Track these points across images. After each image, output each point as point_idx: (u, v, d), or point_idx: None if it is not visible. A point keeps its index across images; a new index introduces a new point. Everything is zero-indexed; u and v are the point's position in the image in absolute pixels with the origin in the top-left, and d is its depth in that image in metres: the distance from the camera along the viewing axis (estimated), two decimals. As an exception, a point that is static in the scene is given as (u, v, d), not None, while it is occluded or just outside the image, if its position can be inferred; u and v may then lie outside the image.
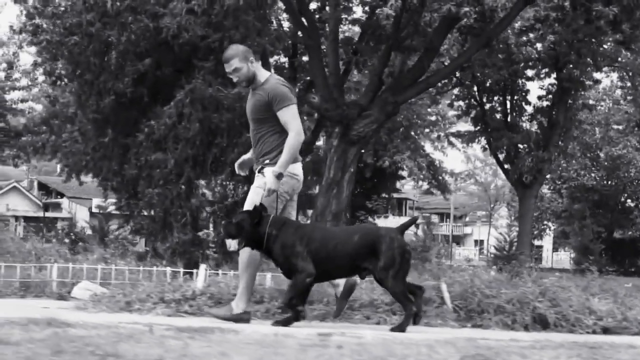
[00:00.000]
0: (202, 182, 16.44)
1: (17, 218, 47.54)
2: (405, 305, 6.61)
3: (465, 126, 35.04)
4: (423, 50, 16.32)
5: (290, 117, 6.64)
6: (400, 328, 6.51)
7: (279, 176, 6.51)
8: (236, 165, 7.46)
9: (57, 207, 53.00)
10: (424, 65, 16.52)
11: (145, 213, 18.11)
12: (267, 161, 6.71)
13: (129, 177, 17.15)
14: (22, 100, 30.51)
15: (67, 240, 26.21)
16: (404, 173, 35.85)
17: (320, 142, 23.84)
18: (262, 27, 18.66)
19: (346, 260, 6.55)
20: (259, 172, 6.82)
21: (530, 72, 26.05)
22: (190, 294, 8.61)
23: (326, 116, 16.45)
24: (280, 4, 19.02)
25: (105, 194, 27.47)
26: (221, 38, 17.04)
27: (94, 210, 50.41)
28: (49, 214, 50.34)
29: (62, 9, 14.57)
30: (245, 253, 6.79)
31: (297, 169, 6.80)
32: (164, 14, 16.45)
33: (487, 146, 27.74)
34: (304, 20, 16.74)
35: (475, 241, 55.93)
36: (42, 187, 56.12)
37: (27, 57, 77.00)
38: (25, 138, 30.63)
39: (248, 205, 6.75)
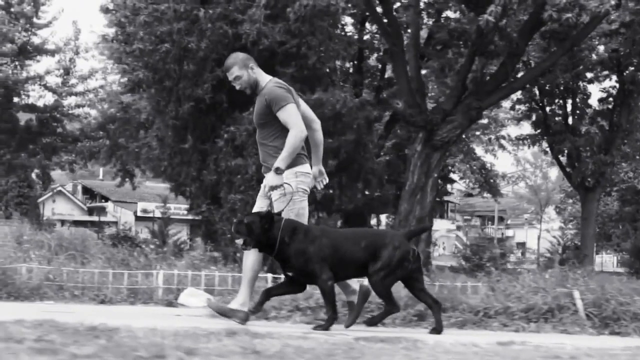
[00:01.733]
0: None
1: (63, 222, 47.90)
2: (387, 302, 6.83)
3: (514, 129, 34.88)
4: (506, 55, 16.28)
5: (288, 116, 6.69)
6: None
7: (277, 170, 6.53)
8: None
9: (102, 211, 53.37)
10: (507, 70, 16.47)
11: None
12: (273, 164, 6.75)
13: (208, 183, 17.21)
14: (78, 106, 30.74)
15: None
16: (454, 176, 35.79)
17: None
18: (334, 33, 18.73)
19: (356, 263, 6.62)
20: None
21: (589, 75, 25.87)
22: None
23: (410, 122, 16.44)
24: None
25: (165, 198, 27.76)
26: (298, 44, 17.09)
27: (139, 214, 50.85)
28: (93, 218, 50.69)
29: (157, 14, 14.59)
30: (252, 256, 6.87)
31: (308, 167, 6.89)
32: (243, 20, 16.52)
33: (547, 149, 27.55)
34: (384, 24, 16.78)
35: (518, 244, 55.74)
36: (87, 191, 56.56)
37: (84, 63, 77.13)
38: (82, 143, 30.95)
39: (257, 208, 6.85)
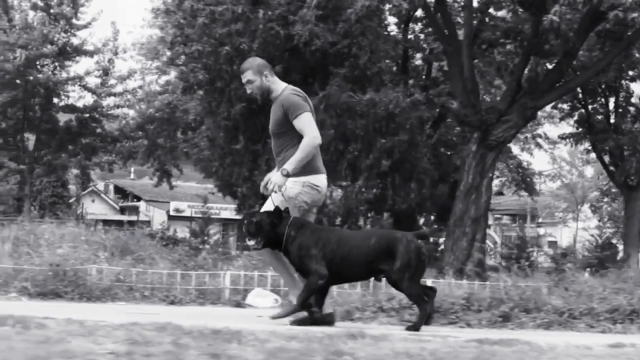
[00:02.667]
0: (338, 188, 16.48)
1: (96, 221, 48.16)
2: (421, 305, 6.77)
3: (550, 127, 34.65)
4: (562, 55, 16.21)
5: (304, 124, 6.66)
6: (414, 327, 6.67)
7: (284, 172, 6.52)
8: (262, 185, 7.17)
9: (134, 210, 53.60)
10: (562, 69, 16.41)
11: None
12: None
13: (259, 183, 17.23)
14: (117, 106, 30.92)
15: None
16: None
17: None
18: (382, 33, 18.77)
19: (363, 263, 6.64)
20: None
21: (632, 73, 25.68)
22: (405, 302, 8.66)
23: (465, 122, 16.40)
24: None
25: (205, 198, 27.82)
26: (349, 44, 17.11)
27: (172, 213, 51.01)
28: (126, 217, 50.92)
29: (214, 16, 14.66)
30: (269, 254, 6.92)
31: (321, 180, 6.82)
32: (295, 21, 16.55)
33: (590, 148, 27.39)
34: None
35: (549, 242, 55.40)
36: (119, 190, 56.82)
37: (122, 63, 77.45)
38: (122, 143, 31.14)
39: (266, 209, 6.84)
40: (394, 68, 21.47)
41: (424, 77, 21.73)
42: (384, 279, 7.01)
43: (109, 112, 30.94)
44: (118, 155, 31.66)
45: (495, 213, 59.21)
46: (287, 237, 6.49)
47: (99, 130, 30.92)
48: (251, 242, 6.71)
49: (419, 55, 22.40)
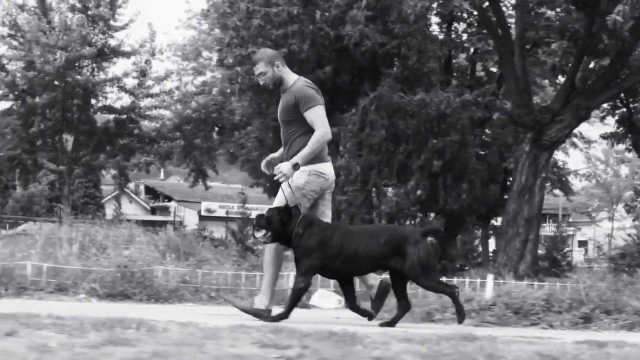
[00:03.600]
0: (390, 188, 16.48)
1: (127, 221, 48.23)
2: (446, 291, 6.96)
3: (585, 127, 34.41)
4: (615, 54, 16.12)
5: (315, 116, 6.81)
6: (460, 315, 6.93)
7: (295, 166, 6.66)
8: (263, 163, 7.61)
9: (165, 210, 53.83)
10: (616, 69, 16.33)
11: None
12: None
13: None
14: (155, 107, 30.99)
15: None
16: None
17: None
18: (429, 33, 18.75)
19: (371, 259, 6.70)
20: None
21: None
22: (484, 304, 8.66)
23: (518, 122, 16.36)
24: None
25: (244, 199, 27.89)
26: (399, 45, 17.11)
27: (203, 213, 51.21)
28: (156, 218, 51.15)
29: (270, 17, 14.71)
30: (271, 251, 7.00)
31: (326, 168, 6.96)
32: (344, 22, 16.56)
33: (630, 147, 27.18)
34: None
35: (580, 242, 55.11)
36: (149, 190, 57.06)
37: (158, 64, 77.82)
38: (159, 144, 31.25)
39: (277, 203, 6.91)
40: (438, 68, 21.38)
41: (468, 77, 21.64)
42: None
43: (146, 113, 31.02)
44: (156, 156, 31.78)
45: (524, 212, 58.75)
46: (296, 235, 6.59)
47: (136, 131, 31.03)
48: (259, 234, 6.86)
49: (461, 55, 22.34)
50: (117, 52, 30.71)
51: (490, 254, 27.68)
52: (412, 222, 16.44)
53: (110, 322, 5.30)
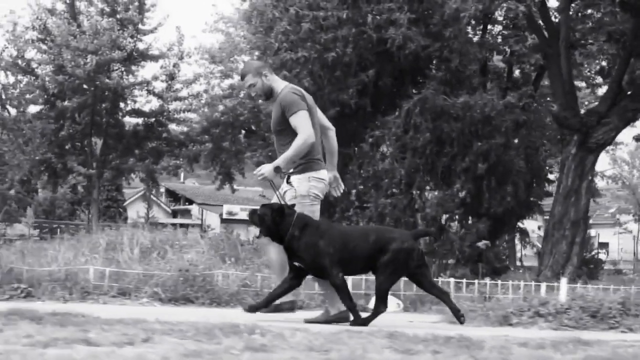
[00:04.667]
0: (435, 191, 16.47)
1: (152, 225, 48.37)
2: (379, 305, 6.77)
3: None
4: (664, 56, 16.12)
5: (299, 121, 6.78)
6: (363, 322, 6.69)
7: (277, 169, 6.66)
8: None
9: (186, 213, 53.87)
10: (664, 71, 16.35)
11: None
12: (292, 169, 6.85)
13: (352, 187, 17.32)
14: (185, 110, 31.06)
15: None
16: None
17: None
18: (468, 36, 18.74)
19: (362, 258, 6.71)
20: (286, 181, 6.95)
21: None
22: (560, 307, 8.65)
23: (565, 124, 16.35)
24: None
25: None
26: (441, 47, 17.10)
27: (225, 216, 51.23)
28: (178, 221, 51.20)
29: (320, 21, 14.74)
30: (275, 255, 6.97)
31: (323, 174, 6.98)
32: (387, 25, 16.55)
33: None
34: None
35: (601, 244, 54.90)
36: (170, 193, 57.13)
37: (186, 68, 78.00)
38: (188, 147, 31.30)
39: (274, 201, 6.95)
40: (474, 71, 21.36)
41: (505, 79, 21.62)
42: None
43: (175, 117, 31.09)
44: (185, 159, 31.84)
45: (545, 215, 58.67)
46: (291, 235, 6.59)
47: (164, 134, 31.12)
48: (256, 230, 6.87)
49: (496, 57, 22.27)
50: (145, 56, 30.81)
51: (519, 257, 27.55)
52: (460, 225, 16.43)
53: (229, 327, 5.30)
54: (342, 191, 7.61)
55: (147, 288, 9.88)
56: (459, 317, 7.03)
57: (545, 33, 16.76)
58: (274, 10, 15.60)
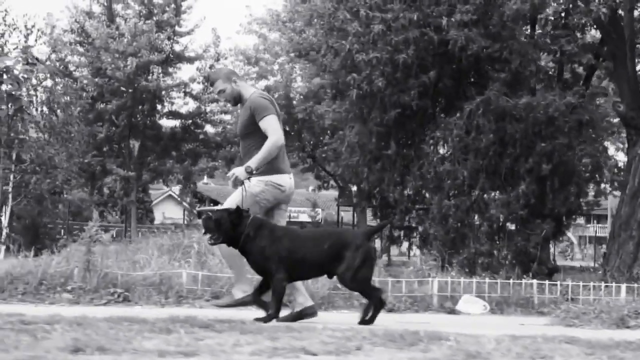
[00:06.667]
0: (496, 192, 16.47)
1: (176, 226, 48.45)
2: (374, 296, 6.98)
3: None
4: None
5: (269, 125, 7.02)
6: (369, 320, 6.90)
7: (248, 169, 6.88)
8: (228, 176, 7.58)
9: (211, 214, 53.76)
10: None
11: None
12: (255, 172, 6.99)
13: (413, 189, 17.35)
14: (222, 112, 31.21)
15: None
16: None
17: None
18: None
19: (317, 262, 6.83)
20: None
21: None
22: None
23: (632, 124, 16.36)
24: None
25: (314, 203, 28.04)
26: (500, 48, 17.09)
27: (250, 217, 51.18)
28: (203, 222, 51.14)
29: (391, 23, 14.80)
30: (225, 247, 7.08)
31: (284, 180, 7.15)
32: (449, 27, 16.54)
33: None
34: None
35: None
36: (195, 194, 57.10)
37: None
38: (225, 149, 31.43)
39: (228, 205, 7.09)
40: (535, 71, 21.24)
41: (555, 79, 21.52)
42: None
43: (212, 118, 31.22)
44: (222, 161, 31.97)
45: (569, 213, 58.32)
46: (246, 237, 6.70)
47: (201, 136, 31.26)
48: (206, 237, 6.99)
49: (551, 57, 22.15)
50: (181, 58, 30.96)
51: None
52: (525, 226, 16.42)
53: (431, 335, 5.29)
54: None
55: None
56: (366, 314, 7.05)
57: (614, 34, 16.77)
58: (344, 11, 15.59)
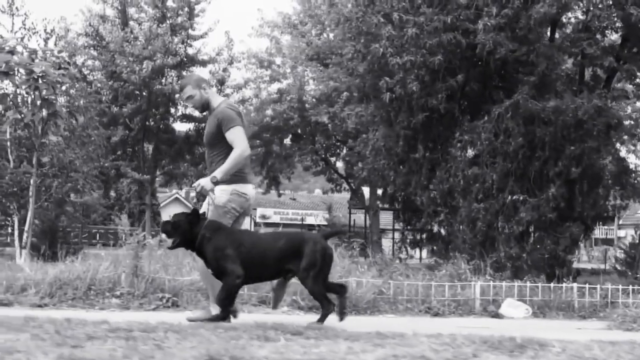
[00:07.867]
0: (524, 195, 16.45)
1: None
2: (323, 304, 6.95)
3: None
4: None
5: (235, 136, 7.06)
6: (317, 325, 6.69)
7: (213, 179, 6.95)
8: (194, 186, 7.68)
9: (219, 217, 53.74)
10: None
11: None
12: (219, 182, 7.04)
13: (440, 192, 17.33)
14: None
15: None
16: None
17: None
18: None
19: (274, 263, 6.86)
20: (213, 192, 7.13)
21: None
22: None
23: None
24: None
25: (329, 206, 28.01)
26: (527, 51, 17.10)
27: (258, 220, 51.25)
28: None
29: (426, 24, 14.82)
30: (202, 264, 7.10)
31: (248, 189, 7.25)
32: (477, 30, 16.54)
33: None
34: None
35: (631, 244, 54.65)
36: (202, 197, 57.07)
37: (236, 72, 77.89)
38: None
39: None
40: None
41: (577, 82, 21.54)
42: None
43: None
44: (236, 164, 31.90)
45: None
46: (202, 238, 6.76)
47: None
48: (168, 242, 7.02)
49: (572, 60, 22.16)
50: (195, 61, 30.93)
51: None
52: (555, 229, 16.42)
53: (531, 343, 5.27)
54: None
55: (286, 297, 9.95)
56: (341, 314, 7.04)
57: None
58: (377, 15, 15.59)
